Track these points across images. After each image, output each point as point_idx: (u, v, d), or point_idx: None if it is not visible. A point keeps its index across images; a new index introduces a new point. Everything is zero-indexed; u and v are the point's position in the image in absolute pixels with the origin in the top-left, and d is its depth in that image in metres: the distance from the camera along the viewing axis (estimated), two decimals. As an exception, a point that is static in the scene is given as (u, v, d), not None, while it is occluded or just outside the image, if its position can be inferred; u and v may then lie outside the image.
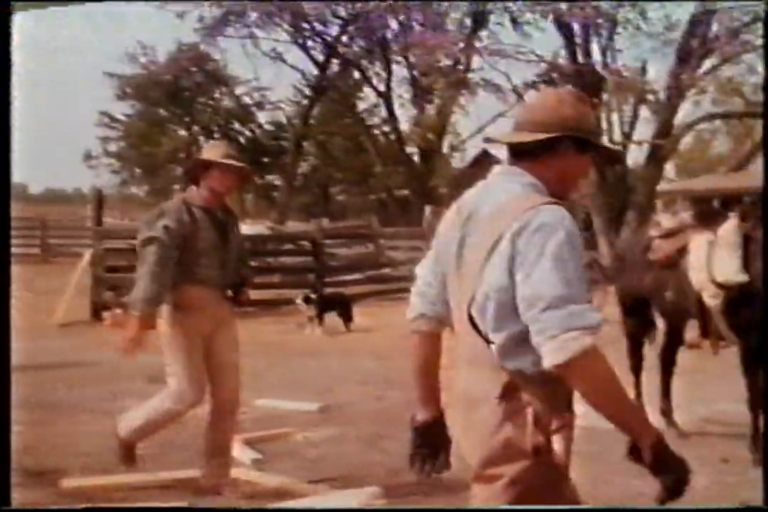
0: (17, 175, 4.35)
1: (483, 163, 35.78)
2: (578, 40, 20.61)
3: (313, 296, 11.31)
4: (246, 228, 11.40)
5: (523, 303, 2.03)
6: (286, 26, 27.00)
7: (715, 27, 19.04)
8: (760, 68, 18.75)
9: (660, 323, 6.04)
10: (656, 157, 19.95)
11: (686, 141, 33.49)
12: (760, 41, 19.04)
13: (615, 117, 21.15)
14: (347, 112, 28.61)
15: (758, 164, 25.48)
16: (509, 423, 2.12)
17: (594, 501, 3.08)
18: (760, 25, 19.29)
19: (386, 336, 11.12)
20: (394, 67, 27.48)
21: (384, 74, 27.70)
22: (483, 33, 23.65)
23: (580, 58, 20.46)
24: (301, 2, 24.63)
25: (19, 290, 8.95)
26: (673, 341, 5.96)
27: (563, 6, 20.03)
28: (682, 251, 5.20)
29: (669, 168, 30.18)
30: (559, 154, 2.22)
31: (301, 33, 27.62)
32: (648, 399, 5.69)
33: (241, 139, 31.16)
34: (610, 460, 4.10)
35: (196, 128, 27.97)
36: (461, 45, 20.86)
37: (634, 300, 5.77)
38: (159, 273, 4.21)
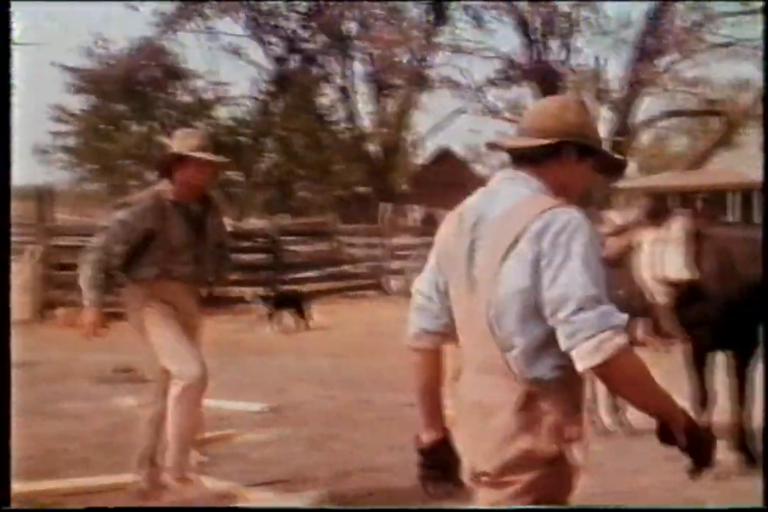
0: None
1: (443, 159, 35.86)
2: (537, 37, 20.69)
3: (268, 294, 11.18)
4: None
5: (550, 305, 2.01)
6: (244, 21, 26.83)
7: (670, 25, 19.21)
8: (714, 66, 18.96)
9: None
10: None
11: (646, 138, 33.86)
12: (714, 39, 19.28)
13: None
14: (307, 108, 28.44)
15: (715, 162, 25.82)
16: (527, 432, 2.09)
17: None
18: (715, 23, 19.53)
19: (343, 334, 11.05)
20: (353, 63, 27.41)
21: (344, 70, 27.61)
22: (443, 29, 23.69)
23: (539, 56, 20.54)
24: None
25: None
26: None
27: (522, 4, 20.10)
28: (632, 248, 5.17)
29: (629, 165, 30.41)
30: (562, 160, 2.22)
31: (259, 28, 27.42)
32: (601, 397, 5.66)
33: (200, 135, 30.63)
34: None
35: (154, 124, 27.55)
36: (420, 40, 20.81)
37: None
38: (96, 263, 4.10)
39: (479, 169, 31.32)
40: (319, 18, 24.83)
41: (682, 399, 5.24)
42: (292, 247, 16.30)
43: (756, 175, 27.53)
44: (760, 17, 19.84)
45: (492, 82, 21.88)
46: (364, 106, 28.51)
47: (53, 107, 27.44)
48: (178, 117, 27.27)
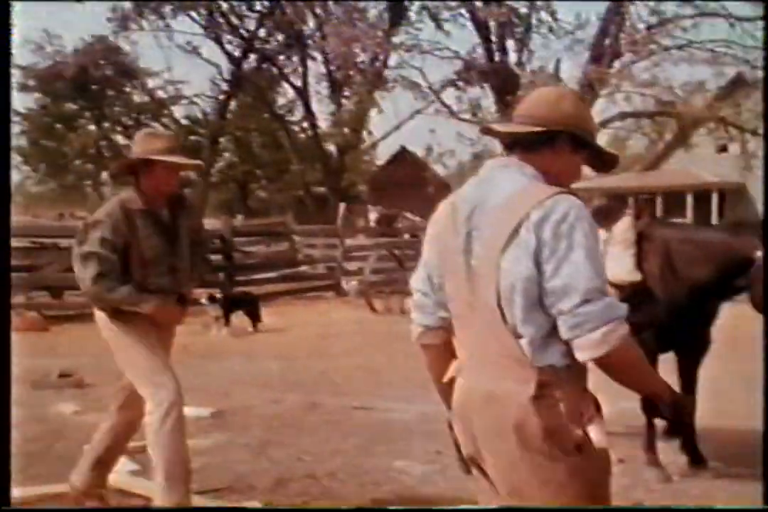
0: None
1: (401, 160, 35.80)
2: (494, 38, 20.73)
3: (218, 295, 10.99)
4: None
5: (553, 295, 2.00)
6: (201, 20, 26.57)
7: (625, 27, 19.35)
8: (669, 68, 19.11)
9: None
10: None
11: (603, 139, 34.08)
12: (668, 42, 19.44)
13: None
14: (265, 107, 28.22)
15: (671, 163, 26.08)
16: (549, 419, 2.05)
17: None
18: (669, 25, 19.69)
19: (294, 336, 10.91)
20: (311, 63, 27.28)
21: (301, 69, 27.45)
22: (401, 29, 23.65)
23: (496, 57, 20.57)
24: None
25: None
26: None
27: (479, 4, 20.12)
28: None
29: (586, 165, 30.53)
30: (555, 149, 2.21)
31: (217, 27, 27.17)
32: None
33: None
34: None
35: (107, 124, 27.17)
36: (378, 40, 20.73)
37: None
38: (112, 285, 3.80)
39: (438, 169, 31.30)
40: (276, 17, 24.65)
41: (637, 400, 5.24)
42: (247, 248, 16.11)
43: (710, 176, 27.94)
44: (714, 19, 20.09)
45: (450, 83, 21.87)
46: (322, 106, 28.40)
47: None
48: (133, 116, 26.93)
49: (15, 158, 27.81)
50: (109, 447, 4.21)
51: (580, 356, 2.01)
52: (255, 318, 11.21)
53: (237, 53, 27.51)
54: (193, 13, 26.06)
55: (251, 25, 26.98)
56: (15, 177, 27.62)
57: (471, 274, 2.14)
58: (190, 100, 28.37)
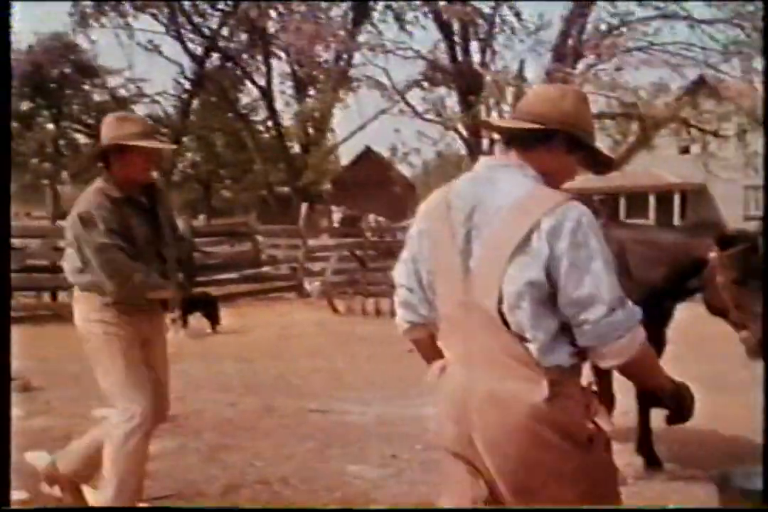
0: None
1: (366, 160, 35.71)
2: (457, 39, 20.73)
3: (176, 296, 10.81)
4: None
5: (578, 305, 2.00)
6: (162, 18, 26.28)
7: (587, 28, 19.45)
8: (631, 69, 19.23)
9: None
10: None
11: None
12: (630, 43, 19.55)
13: (494, 115, 21.31)
14: (228, 106, 28.00)
15: (633, 164, 26.25)
16: (562, 416, 2.06)
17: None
18: (632, 27, 19.82)
19: (254, 337, 10.77)
20: (275, 62, 27.10)
21: (265, 68, 27.25)
22: (364, 28, 23.57)
23: (459, 57, 20.57)
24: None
25: None
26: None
27: (443, 4, 20.10)
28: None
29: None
30: (552, 148, 2.19)
31: (179, 25, 26.90)
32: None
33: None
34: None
35: (66, 122, 26.80)
36: (342, 39, 20.62)
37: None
38: (145, 269, 3.62)
39: (403, 169, 31.27)
40: (239, 16, 24.45)
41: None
42: (210, 249, 15.92)
43: (672, 177, 28.19)
44: (676, 22, 20.24)
45: (414, 83, 21.83)
46: (285, 105, 28.23)
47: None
48: (93, 114, 26.59)
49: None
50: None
51: (605, 364, 2.03)
52: (214, 319, 11.05)
53: (199, 52, 27.28)
54: (155, 11, 25.77)
55: (214, 23, 26.79)
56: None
57: (468, 275, 2.11)
58: (151, 98, 28.14)
